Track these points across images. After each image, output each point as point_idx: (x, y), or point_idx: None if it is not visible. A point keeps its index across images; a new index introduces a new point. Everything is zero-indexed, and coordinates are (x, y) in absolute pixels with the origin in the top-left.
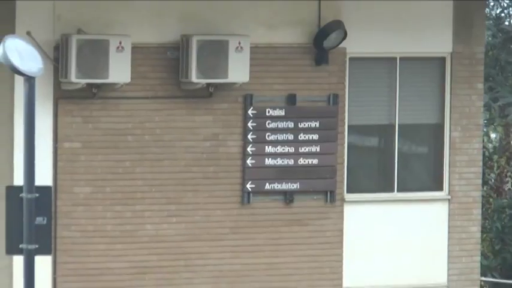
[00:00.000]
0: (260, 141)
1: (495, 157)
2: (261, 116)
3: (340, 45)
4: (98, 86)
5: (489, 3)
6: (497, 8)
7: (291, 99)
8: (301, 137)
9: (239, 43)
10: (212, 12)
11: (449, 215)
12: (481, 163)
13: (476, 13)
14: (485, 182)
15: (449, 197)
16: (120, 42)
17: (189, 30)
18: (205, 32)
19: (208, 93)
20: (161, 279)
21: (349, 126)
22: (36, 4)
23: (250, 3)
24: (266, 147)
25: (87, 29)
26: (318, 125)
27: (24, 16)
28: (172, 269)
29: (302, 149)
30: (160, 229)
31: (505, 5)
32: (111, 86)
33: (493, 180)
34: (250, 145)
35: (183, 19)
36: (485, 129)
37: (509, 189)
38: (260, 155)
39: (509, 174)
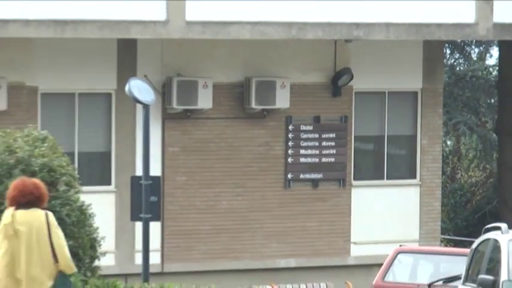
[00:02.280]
0: (296, 147)
1: (450, 157)
2: (296, 130)
3: (349, 84)
4: (191, 111)
5: (446, 56)
6: (451, 59)
7: (316, 119)
8: (323, 144)
9: (283, 82)
10: (265, 61)
11: (420, 194)
12: (440, 160)
13: (437, 63)
14: (443, 173)
15: (420, 182)
16: (205, 82)
17: (250, 73)
18: (260, 74)
19: (262, 115)
20: (232, 237)
21: (354, 137)
22: (149, 56)
23: (290, 55)
24: (300, 150)
25: (183, 72)
26: (334, 136)
27: (142, 64)
28: (239, 230)
29: (323, 152)
30: (231, 204)
31: (456, 56)
32: (199, 110)
33: (448, 172)
34: (290, 149)
35: (245, 66)
36: (443, 139)
37: (459, 177)
38: (296, 155)
39: (459, 167)
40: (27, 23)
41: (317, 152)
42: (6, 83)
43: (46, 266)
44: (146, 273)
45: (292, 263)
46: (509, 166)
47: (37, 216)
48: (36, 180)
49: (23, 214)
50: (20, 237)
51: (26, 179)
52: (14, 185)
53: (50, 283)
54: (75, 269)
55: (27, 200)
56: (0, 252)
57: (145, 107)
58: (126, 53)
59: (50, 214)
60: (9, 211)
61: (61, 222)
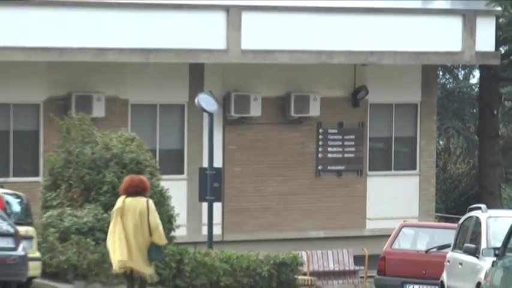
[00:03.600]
0: (324, 145)
1: (442, 153)
2: (325, 133)
3: (365, 98)
4: (244, 118)
5: (439, 76)
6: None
7: (340, 124)
8: (345, 143)
9: (314, 96)
10: (301, 80)
11: (419, 182)
12: (435, 156)
13: (432, 82)
14: (437, 166)
15: (419, 173)
16: (256, 96)
17: (289, 89)
18: (297, 90)
19: (299, 121)
20: (275, 214)
21: (369, 138)
22: (213, 76)
23: (320, 76)
24: (327, 148)
25: (239, 89)
26: (353, 137)
27: (208, 82)
28: (281, 209)
29: (345, 149)
30: (275, 189)
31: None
32: (251, 118)
33: (441, 165)
34: (320, 147)
35: (286, 83)
36: (437, 139)
37: (449, 169)
38: (324, 152)
39: (449, 162)
40: (120, 51)
41: (340, 149)
42: (104, 96)
43: (145, 238)
44: (210, 242)
45: (321, 234)
46: (487, 161)
47: (141, 202)
48: (141, 176)
49: (130, 200)
50: (128, 216)
51: (134, 176)
52: (125, 179)
53: (147, 249)
54: (165, 241)
55: (134, 190)
56: (116, 226)
57: (210, 115)
58: (196, 73)
59: (150, 201)
60: (121, 198)
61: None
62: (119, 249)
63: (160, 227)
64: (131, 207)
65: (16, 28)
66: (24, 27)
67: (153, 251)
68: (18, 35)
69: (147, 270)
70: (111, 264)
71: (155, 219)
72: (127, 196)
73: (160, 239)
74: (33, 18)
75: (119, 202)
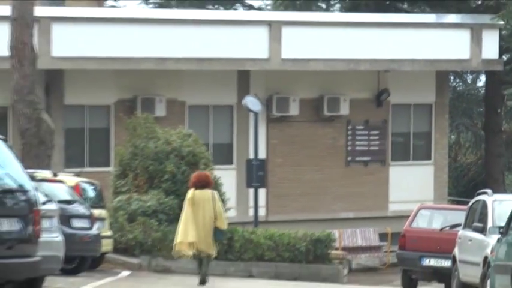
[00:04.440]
0: (353, 139)
1: (453, 146)
2: (353, 129)
3: (387, 99)
4: (285, 116)
5: (450, 80)
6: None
7: (366, 122)
8: (370, 137)
9: (344, 98)
10: (333, 84)
11: (434, 170)
12: (447, 148)
13: (445, 85)
14: (449, 156)
15: (434, 163)
16: (294, 98)
17: (323, 92)
18: (330, 93)
19: (331, 119)
20: (311, 198)
21: (391, 133)
22: (258, 81)
23: (349, 80)
24: (355, 142)
25: (280, 91)
26: (377, 132)
27: (253, 86)
28: (316, 193)
29: (371, 143)
30: (311, 176)
31: (457, 80)
32: (290, 116)
33: (452, 156)
34: (349, 141)
35: (320, 87)
36: (449, 134)
37: (459, 159)
38: (353, 145)
39: (459, 153)
40: (178, 60)
41: (366, 143)
42: (165, 99)
43: (211, 223)
44: (256, 222)
45: (350, 215)
46: (492, 152)
47: (207, 193)
48: (207, 172)
49: (199, 192)
50: (198, 205)
51: (200, 172)
52: (193, 175)
53: (211, 233)
54: (226, 226)
55: (201, 184)
56: (187, 214)
57: (255, 114)
58: (243, 79)
59: (215, 192)
60: (191, 190)
61: None
62: (191, 232)
63: (224, 214)
64: (199, 198)
65: (90, 41)
66: (97, 40)
67: (217, 234)
68: (91, 46)
69: (212, 249)
70: (170, 245)
71: (219, 208)
72: (196, 189)
73: (223, 224)
74: (104, 32)
75: (189, 194)
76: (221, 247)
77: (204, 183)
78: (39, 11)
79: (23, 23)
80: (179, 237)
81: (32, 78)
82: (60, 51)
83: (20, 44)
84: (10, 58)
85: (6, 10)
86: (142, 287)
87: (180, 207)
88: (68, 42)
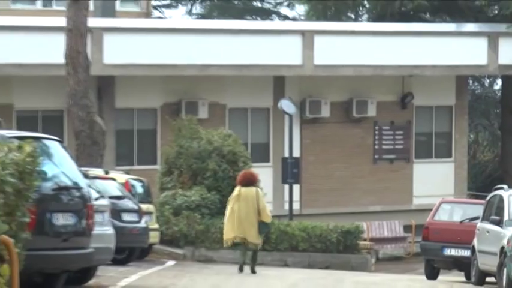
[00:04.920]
0: (379, 139)
1: (472, 144)
2: (380, 129)
3: (411, 102)
4: (317, 118)
5: (469, 84)
6: (472, 86)
7: (392, 122)
8: (396, 137)
9: (372, 101)
10: (361, 87)
11: (454, 167)
12: (466, 147)
13: (464, 88)
14: (468, 154)
15: (454, 160)
16: (326, 101)
17: (352, 95)
18: (358, 96)
19: (359, 120)
20: (341, 193)
21: (415, 133)
22: (292, 85)
23: (376, 84)
24: (382, 141)
25: (312, 95)
26: (402, 132)
27: (288, 90)
28: (346, 188)
29: (396, 142)
30: (341, 173)
31: (476, 84)
32: (322, 118)
33: (471, 153)
34: (376, 140)
35: (349, 91)
36: (468, 134)
37: (478, 157)
38: (380, 144)
39: (478, 151)
40: (220, 66)
41: (392, 142)
42: (207, 102)
43: (256, 216)
44: (291, 215)
45: (377, 208)
46: (508, 150)
47: (252, 190)
48: (252, 171)
49: (244, 189)
50: (243, 201)
51: (246, 171)
52: (240, 174)
53: (257, 225)
54: (270, 220)
55: (246, 182)
56: (234, 208)
57: (290, 116)
58: (278, 84)
59: (259, 189)
60: (238, 188)
61: None
62: (237, 226)
63: (267, 208)
64: (245, 194)
65: (138, 49)
66: (145, 48)
67: (262, 226)
68: (140, 54)
69: (258, 240)
70: (212, 236)
71: (263, 203)
72: (242, 186)
73: (267, 217)
74: (151, 41)
75: (236, 191)
76: None
77: (250, 181)
78: (92, 22)
79: (77, 34)
80: (227, 231)
81: (85, 84)
82: (111, 58)
83: (75, 53)
84: (65, 66)
85: (62, 22)
86: (186, 276)
87: (221, 202)
88: (118, 51)
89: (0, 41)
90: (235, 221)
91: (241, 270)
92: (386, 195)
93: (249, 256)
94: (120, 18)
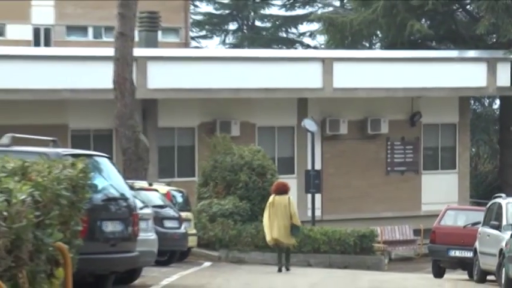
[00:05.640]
0: (391, 153)
1: (474, 157)
2: (392, 144)
3: (420, 120)
4: (336, 135)
5: (471, 103)
6: (473, 105)
7: (402, 138)
8: (406, 152)
9: (384, 119)
10: (375, 108)
11: (458, 178)
12: (468, 159)
13: (466, 108)
14: (470, 166)
15: (458, 171)
16: (344, 120)
17: (367, 115)
18: (372, 115)
19: (373, 136)
20: (358, 201)
21: (423, 148)
22: (314, 106)
23: (388, 105)
24: (394, 155)
25: (332, 115)
26: (412, 147)
27: (310, 110)
28: (362, 197)
29: (407, 155)
30: (357, 183)
31: (477, 104)
32: (341, 135)
33: (473, 165)
34: (388, 154)
35: (365, 111)
36: (470, 148)
37: (479, 168)
38: (392, 157)
39: (479, 163)
40: (250, 90)
41: (402, 155)
42: (239, 121)
43: (288, 221)
44: (313, 220)
45: (390, 214)
46: (505, 162)
47: (284, 198)
48: (284, 182)
49: (278, 197)
50: (277, 207)
51: (279, 182)
52: (274, 184)
53: (289, 227)
54: (299, 223)
55: (279, 191)
56: (269, 214)
57: (312, 133)
58: (301, 105)
59: (291, 197)
60: (272, 196)
61: (267, 194)
62: (273, 229)
63: (297, 214)
64: (279, 202)
65: (178, 75)
66: (184, 74)
67: (294, 229)
68: (179, 80)
69: (291, 241)
70: (244, 240)
71: (294, 209)
72: (276, 195)
73: (297, 222)
74: (190, 68)
75: (271, 199)
76: None
77: (282, 190)
78: (137, 51)
79: (124, 62)
80: (267, 234)
81: (131, 106)
82: (154, 84)
83: (122, 79)
84: (114, 90)
85: (110, 52)
86: (221, 275)
87: (251, 210)
88: (161, 77)
89: (57, 69)
90: (273, 225)
91: (279, 270)
92: (397, 202)
93: (283, 256)
94: (162, 48)
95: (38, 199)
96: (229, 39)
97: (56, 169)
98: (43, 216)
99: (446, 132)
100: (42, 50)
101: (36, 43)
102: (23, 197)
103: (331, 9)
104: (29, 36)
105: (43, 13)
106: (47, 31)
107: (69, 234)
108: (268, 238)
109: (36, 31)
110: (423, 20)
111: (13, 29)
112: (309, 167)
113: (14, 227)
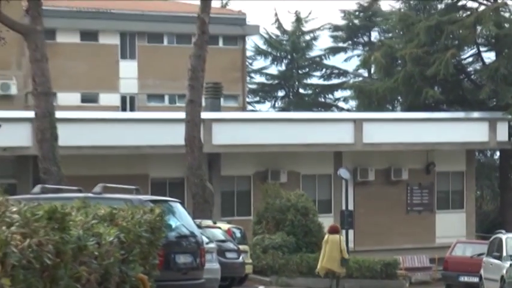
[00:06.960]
0: (410, 196)
1: (479, 199)
2: (411, 189)
3: (434, 169)
4: (366, 181)
5: (476, 155)
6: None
7: (420, 184)
8: (423, 194)
9: (405, 168)
10: (397, 159)
11: (465, 216)
12: (474, 200)
13: (472, 159)
14: (476, 205)
15: (465, 211)
16: (372, 168)
17: (391, 165)
18: (395, 165)
19: (396, 182)
20: (383, 235)
21: (437, 191)
22: (347, 158)
23: (408, 157)
24: (413, 197)
25: (361, 165)
26: (427, 191)
27: (345, 161)
28: (386, 232)
29: (423, 197)
30: (384, 220)
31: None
32: (370, 181)
33: (478, 205)
34: (408, 197)
35: (389, 162)
36: (475, 191)
37: (483, 208)
38: (411, 199)
39: (483, 203)
40: (294, 145)
41: (420, 198)
42: (287, 170)
43: (338, 254)
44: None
45: (409, 245)
46: (506, 203)
47: (336, 237)
48: (336, 224)
49: (331, 236)
50: (331, 244)
51: (333, 224)
52: (330, 226)
53: (339, 259)
54: (348, 256)
55: (333, 231)
56: (325, 249)
57: (346, 180)
58: (337, 157)
59: (342, 236)
60: (327, 235)
61: (309, 230)
62: (327, 260)
63: (346, 249)
64: (332, 239)
65: (237, 134)
66: (242, 133)
67: (343, 261)
68: (238, 137)
69: (341, 270)
70: (291, 268)
71: (343, 245)
72: (330, 234)
73: (346, 255)
74: (247, 128)
75: (326, 237)
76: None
77: (335, 231)
78: (204, 115)
79: (193, 123)
80: (320, 263)
81: (199, 159)
82: (218, 140)
83: (192, 137)
84: (185, 146)
85: (182, 115)
86: None
87: (297, 243)
88: (223, 135)
89: (140, 129)
90: (326, 258)
91: None
92: (416, 236)
93: (335, 282)
94: (224, 111)
95: (123, 240)
96: (278, 103)
97: (138, 214)
98: (127, 254)
99: (456, 178)
100: (128, 114)
101: (123, 108)
102: (111, 239)
103: (360, 79)
104: (117, 103)
105: (129, 84)
106: (132, 99)
107: (149, 267)
108: (318, 267)
109: (123, 98)
110: (436, 87)
111: (104, 97)
112: (344, 208)
113: (104, 264)
